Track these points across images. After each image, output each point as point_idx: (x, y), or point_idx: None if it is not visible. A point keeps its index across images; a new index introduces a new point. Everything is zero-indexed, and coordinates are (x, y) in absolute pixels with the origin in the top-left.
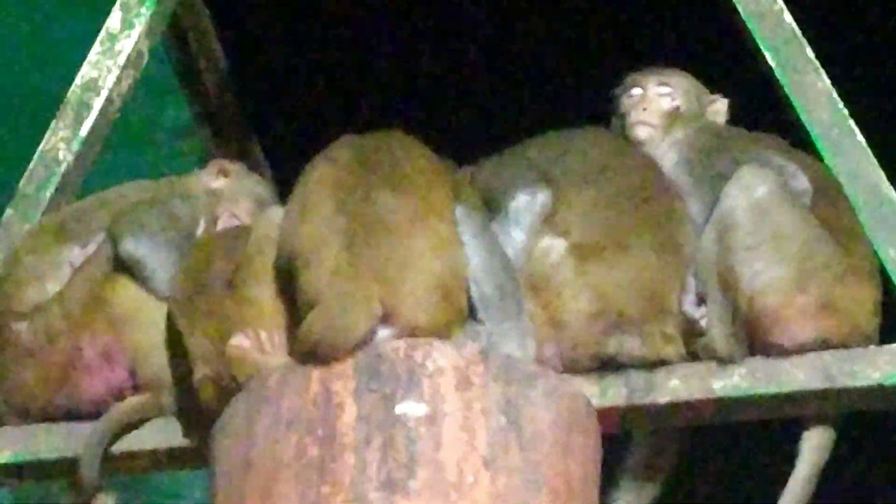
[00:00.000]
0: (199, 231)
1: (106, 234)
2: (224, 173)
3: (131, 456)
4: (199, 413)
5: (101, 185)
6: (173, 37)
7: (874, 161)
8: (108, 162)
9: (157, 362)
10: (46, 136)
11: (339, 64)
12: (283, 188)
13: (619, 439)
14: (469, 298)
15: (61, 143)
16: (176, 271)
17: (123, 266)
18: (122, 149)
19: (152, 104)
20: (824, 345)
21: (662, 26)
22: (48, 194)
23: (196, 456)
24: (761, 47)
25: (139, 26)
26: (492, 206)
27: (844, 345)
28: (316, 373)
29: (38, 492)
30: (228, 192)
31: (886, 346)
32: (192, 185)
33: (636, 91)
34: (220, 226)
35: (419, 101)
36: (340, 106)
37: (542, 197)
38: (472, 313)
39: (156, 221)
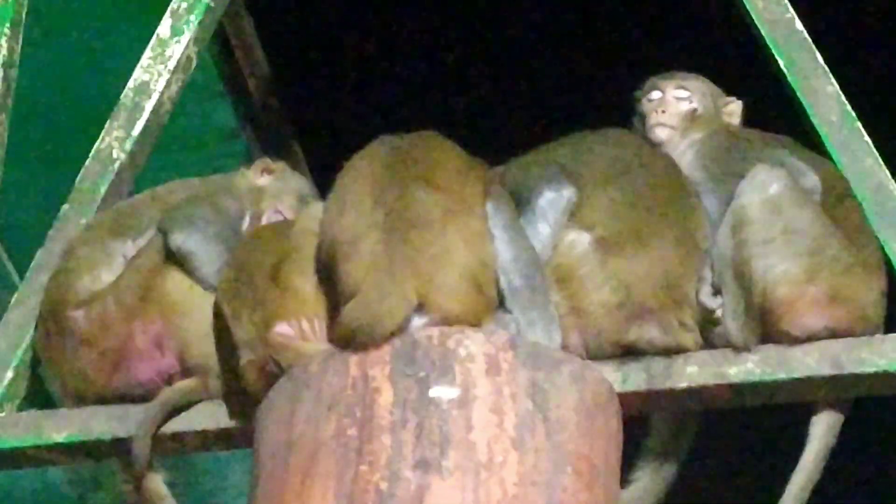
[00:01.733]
0: (245, 226)
1: (157, 228)
2: (268, 171)
3: (180, 437)
4: (244, 396)
5: (153, 184)
6: (220, 44)
7: (880, 160)
8: (161, 162)
9: (205, 349)
10: (101, 135)
11: (376, 68)
12: (323, 186)
13: (640, 422)
14: (498, 289)
15: (115, 143)
16: (222, 263)
17: (173, 258)
18: (173, 150)
19: (201, 108)
20: (833, 333)
21: (681, 33)
22: (103, 190)
23: (241, 437)
24: (773, 53)
25: (188, 33)
26: (520, 203)
27: (852, 333)
28: (354, 358)
29: (90, 471)
30: (272, 189)
31: (892, 335)
32: (238, 183)
33: (656, 94)
34: (265, 221)
35: (453, 104)
36: (377, 108)
37: (568, 194)
38: (501, 303)
39: (204, 216)
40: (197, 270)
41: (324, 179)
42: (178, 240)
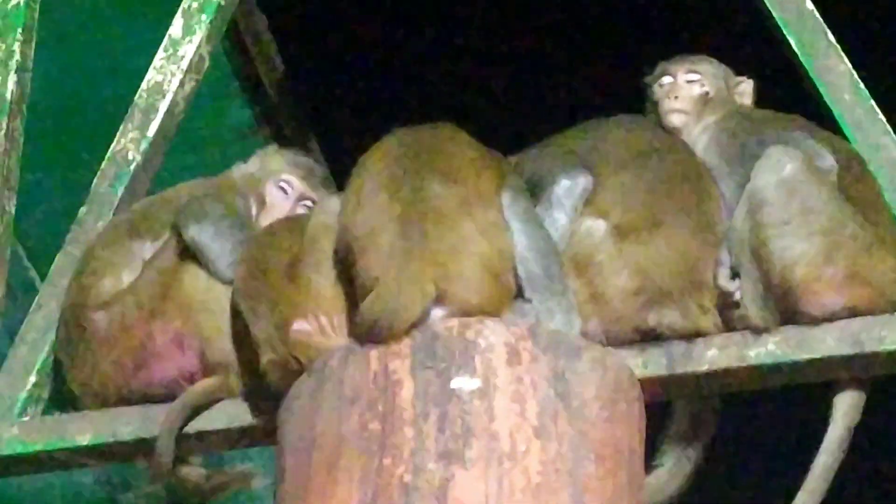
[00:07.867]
0: (255, 213)
1: (171, 226)
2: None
3: (204, 436)
4: (265, 394)
5: (170, 184)
6: (233, 42)
7: (895, 137)
8: (177, 162)
9: (225, 346)
10: (116, 137)
11: (392, 61)
12: (341, 181)
13: (663, 406)
14: (517, 279)
15: (130, 145)
16: (237, 256)
17: (190, 257)
18: (189, 149)
19: (216, 107)
20: (852, 312)
21: (691, 15)
22: (120, 192)
23: (264, 434)
24: (784, 33)
25: (200, 33)
26: (536, 192)
27: (871, 312)
28: (375, 352)
29: (119, 472)
30: (264, 168)
31: None
32: (234, 175)
33: (667, 79)
34: (268, 198)
35: (469, 95)
36: (393, 102)
37: (583, 181)
38: (519, 292)
39: (214, 209)
40: (212, 263)
41: (342, 174)
42: (193, 231)
